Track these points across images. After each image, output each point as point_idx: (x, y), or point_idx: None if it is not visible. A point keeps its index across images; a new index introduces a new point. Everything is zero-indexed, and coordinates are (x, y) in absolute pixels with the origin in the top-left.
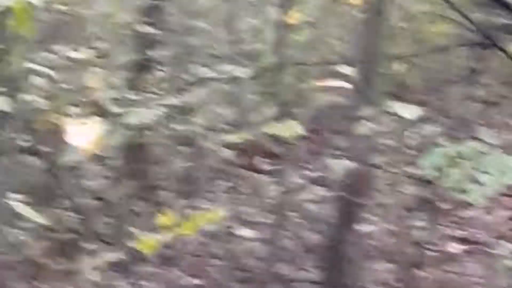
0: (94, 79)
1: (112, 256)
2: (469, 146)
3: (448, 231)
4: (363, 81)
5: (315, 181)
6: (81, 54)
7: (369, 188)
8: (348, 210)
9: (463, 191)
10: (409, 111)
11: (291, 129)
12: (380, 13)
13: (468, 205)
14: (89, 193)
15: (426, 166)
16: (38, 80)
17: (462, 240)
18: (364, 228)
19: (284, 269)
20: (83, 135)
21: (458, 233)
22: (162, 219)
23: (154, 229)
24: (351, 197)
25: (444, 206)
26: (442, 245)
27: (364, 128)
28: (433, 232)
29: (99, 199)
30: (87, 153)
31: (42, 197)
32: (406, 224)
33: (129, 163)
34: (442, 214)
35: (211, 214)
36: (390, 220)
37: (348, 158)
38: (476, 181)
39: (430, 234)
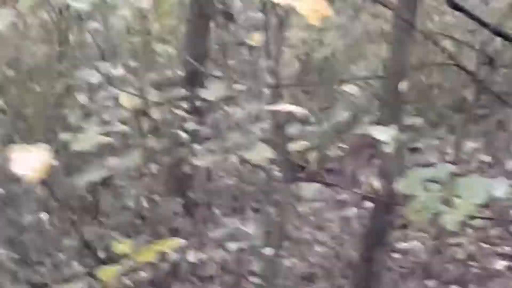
0: (127, 97)
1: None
2: (444, 169)
3: (492, 247)
4: (390, 97)
5: (353, 199)
6: (119, 71)
7: (401, 205)
8: (379, 227)
9: (435, 215)
10: (384, 133)
11: (261, 153)
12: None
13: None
14: (130, 211)
15: (401, 189)
16: (81, 98)
17: (506, 257)
18: (402, 245)
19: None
20: (28, 162)
21: (502, 249)
22: (120, 247)
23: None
24: (383, 214)
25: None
26: (485, 262)
27: (389, 146)
28: (475, 248)
29: (141, 217)
30: (32, 181)
31: (86, 214)
32: (446, 240)
33: (173, 180)
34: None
35: (170, 242)
36: (430, 236)
37: (380, 175)
38: (448, 205)
39: (472, 250)
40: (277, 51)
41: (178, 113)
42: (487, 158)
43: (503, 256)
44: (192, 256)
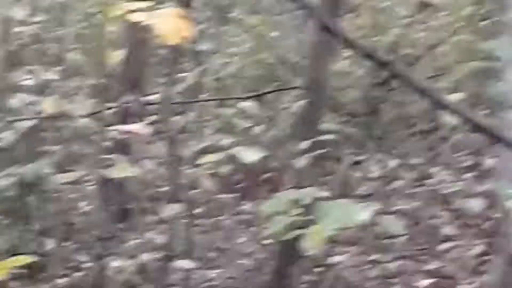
0: (51, 104)
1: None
2: (306, 193)
3: (418, 265)
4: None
5: None
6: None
7: None
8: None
9: (295, 238)
10: (249, 154)
11: (124, 170)
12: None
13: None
14: (59, 216)
15: (265, 212)
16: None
17: (431, 274)
18: (330, 260)
19: None
20: None
21: (428, 267)
22: None
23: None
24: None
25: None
26: (409, 279)
27: (302, 161)
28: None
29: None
30: None
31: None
32: (373, 256)
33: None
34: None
35: (21, 259)
36: (356, 252)
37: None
38: (307, 228)
39: (398, 267)
40: (172, 68)
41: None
42: (411, 175)
43: (428, 273)
44: (113, 264)
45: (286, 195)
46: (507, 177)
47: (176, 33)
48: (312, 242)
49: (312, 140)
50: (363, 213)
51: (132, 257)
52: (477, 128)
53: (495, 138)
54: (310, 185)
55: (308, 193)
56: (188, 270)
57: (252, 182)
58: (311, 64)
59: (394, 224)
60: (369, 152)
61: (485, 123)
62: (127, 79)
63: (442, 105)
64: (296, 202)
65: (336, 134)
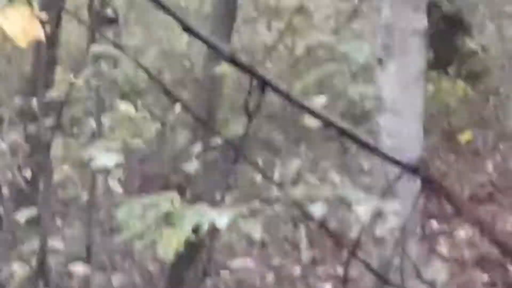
0: None
1: None
2: (164, 198)
3: (321, 269)
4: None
5: None
6: None
7: None
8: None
9: (149, 244)
10: (108, 158)
11: None
12: None
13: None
14: None
15: (118, 217)
16: None
17: (334, 278)
18: (233, 263)
19: None
20: None
21: (332, 271)
22: None
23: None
24: None
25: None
26: (313, 283)
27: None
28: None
29: None
30: None
31: None
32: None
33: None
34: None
35: None
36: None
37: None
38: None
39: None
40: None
41: None
42: (312, 179)
43: (331, 278)
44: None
45: (142, 200)
46: (378, 182)
47: (24, 35)
48: (166, 247)
49: (205, 143)
50: (220, 218)
51: (27, 261)
52: (340, 133)
53: (359, 143)
54: (210, 190)
55: (165, 198)
56: (87, 274)
57: (163, 186)
58: (205, 66)
59: (253, 228)
60: (284, 156)
61: (346, 127)
62: (32, 79)
63: (305, 109)
64: (152, 207)
65: (246, 137)
